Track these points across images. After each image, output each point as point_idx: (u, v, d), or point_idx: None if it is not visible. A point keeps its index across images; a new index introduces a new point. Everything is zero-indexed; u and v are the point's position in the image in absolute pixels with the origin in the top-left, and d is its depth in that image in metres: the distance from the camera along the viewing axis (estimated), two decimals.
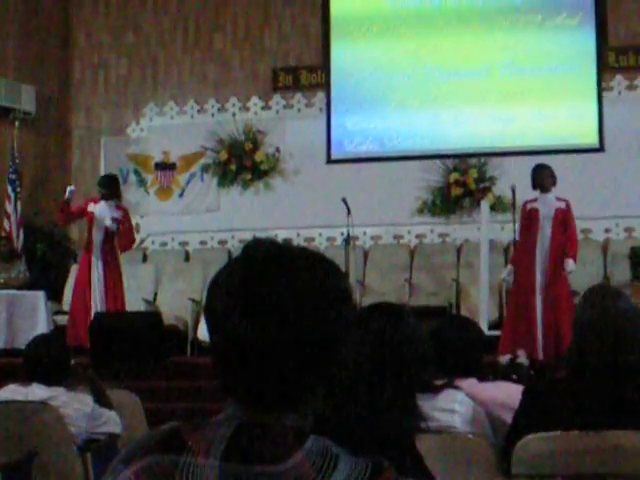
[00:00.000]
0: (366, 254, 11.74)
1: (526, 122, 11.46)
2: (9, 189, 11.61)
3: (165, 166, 12.55)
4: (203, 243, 12.49)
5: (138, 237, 12.70)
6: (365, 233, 11.79)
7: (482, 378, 3.70)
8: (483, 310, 9.82)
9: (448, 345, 3.58)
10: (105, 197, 9.87)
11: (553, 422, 3.05)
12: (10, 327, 10.08)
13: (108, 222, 9.78)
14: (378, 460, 1.37)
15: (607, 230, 11.29)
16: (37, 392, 4.62)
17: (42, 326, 9.86)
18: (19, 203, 11.64)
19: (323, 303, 1.36)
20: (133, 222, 12.65)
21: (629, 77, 11.44)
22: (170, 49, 12.76)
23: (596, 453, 2.97)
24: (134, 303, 10.96)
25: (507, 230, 10.08)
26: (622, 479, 2.93)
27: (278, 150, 12.15)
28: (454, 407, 3.33)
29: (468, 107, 11.60)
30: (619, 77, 11.44)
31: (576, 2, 11.56)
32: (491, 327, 9.79)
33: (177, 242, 12.62)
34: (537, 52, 11.51)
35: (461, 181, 11.55)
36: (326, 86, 12.15)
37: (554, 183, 8.86)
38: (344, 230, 10.48)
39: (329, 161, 12.06)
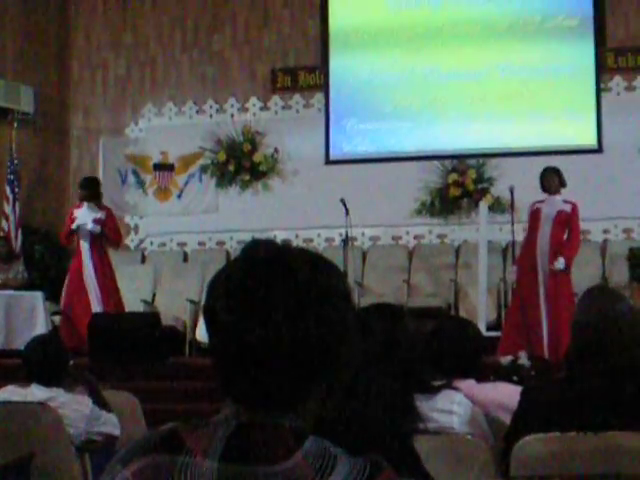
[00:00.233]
0: (364, 255, 11.75)
1: (524, 123, 11.46)
2: (7, 190, 11.61)
3: (163, 167, 12.55)
4: (201, 244, 12.49)
5: (137, 238, 12.74)
6: (363, 234, 11.79)
7: (483, 379, 3.71)
8: (481, 311, 9.82)
9: (446, 346, 3.58)
10: (85, 199, 9.89)
11: (552, 423, 3.05)
12: (8, 328, 10.07)
13: (90, 226, 9.79)
14: (376, 460, 1.37)
15: (605, 231, 11.29)
16: (36, 393, 4.62)
17: (41, 327, 9.86)
18: (17, 204, 11.64)
19: (322, 304, 1.37)
20: (131, 223, 12.72)
21: (628, 78, 11.44)
22: (169, 50, 12.76)
23: (594, 454, 2.97)
24: (132, 304, 10.96)
25: (505, 231, 10.07)
26: None
27: (277, 151, 12.14)
28: (452, 408, 3.33)
29: (466, 108, 11.61)
30: (618, 78, 11.44)
31: (575, 3, 11.57)
32: (490, 328, 9.80)
33: (175, 243, 12.62)
34: (536, 53, 11.51)
35: (459, 182, 11.55)
36: (325, 87, 12.16)
37: (561, 185, 8.88)
38: (342, 231, 10.49)
39: (327, 162, 12.07)
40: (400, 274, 11.30)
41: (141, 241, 12.72)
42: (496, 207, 11.10)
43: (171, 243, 12.64)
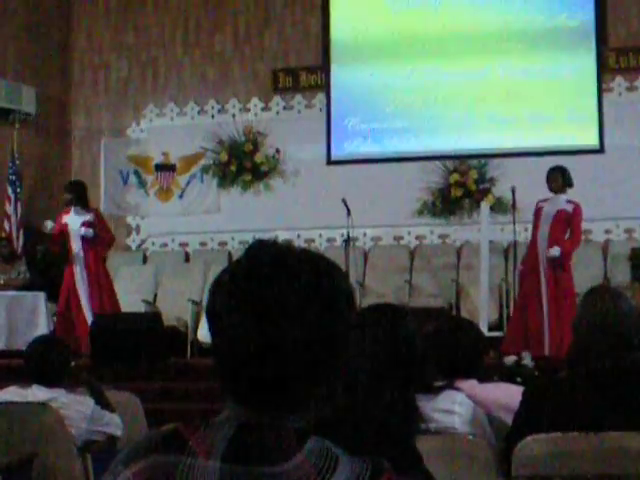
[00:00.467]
0: (366, 255, 11.74)
1: (526, 123, 11.46)
2: (9, 190, 11.61)
3: (165, 167, 12.55)
4: (203, 244, 12.49)
5: (138, 238, 12.74)
6: (365, 234, 11.79)
7: (486, 379, 3.70)
8: (483, 311, 9.82)
9: (447, 347, 3.58)
10: (71, 202, 9.86)
11: (553, 423, 3.05)
12: (10, 328, 10.08)
13: (83, 231, 9.77)
14: (378, 461, 1.37)
15: (607, 231, 11.29)
16: (37, 394, 4.62)
17: (42, 327, 9.86)
18: (19, 204, 11.65)
19: (325, 304, 1.37)
20: (133, 223, 12.72)
21: (629, 78, 11.43)
22: (170, 50, 12.76)
23: (596, 454, 2.97)
24: (134, 304, 10.96)
25: (507, 231, 10.08)
26: None
27: (278, 151, 12.14)
28: (454, 408, 3.33)
29: (468, 108, 11.60)
30: (619, 78, 11.44)
31: (576, 4, 11.56)
32: (491, 328, 9.80)
33: (177, 243, 12.62)
34: (537, 54, 11.50)
35: (461, 182, 11.55)
36: (326, 87, 12.16)
37: (566, 185, 8.88)
38: (344, 231, 10.49)
39: (329, 162, 12.06)
40: (402, 274, 11.30)
41: (143, 241, 12.72)
42: (498, 207, 11.10)
43: (173, 243, 12.64)
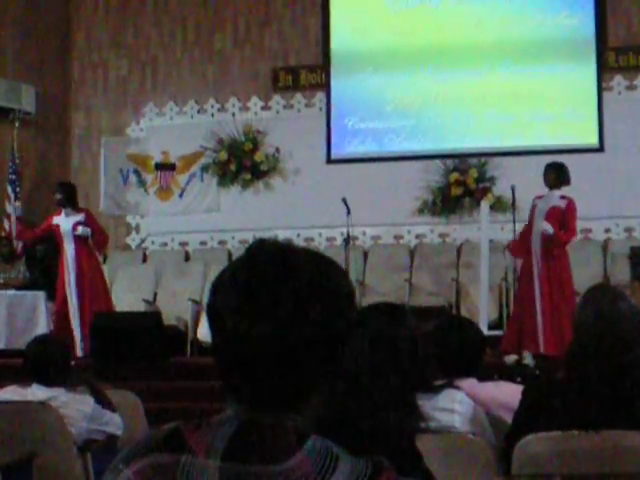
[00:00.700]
0: (366, 254, 11.74)
1: (526, 122, 11.46)
2: (9, 189, 11.61)
3: (165, 166, 12.54)
4: (203, 243, 12.49)
5: (138, 237, 12.74)
6: (365, 233, 11.79)
7: (486, 378, 3.71)
8: (483, 310, 9.82)
9: (446, 345, 3.59)
10: (61, 203, 9.84)
11: (553, 422, 3.05)
12: (10, 327, 10.08)
13: (80, 230, 9.75)
14: (378, 460, 1.37)
15: (607, 230, 11.29)
16: (37, 393, 4.62)
17: (42, 326, 9.86)
18: (19, 203, 11.65)
19: (325, 303, 1.37)
20: (133, 222, 12.72)
21: (629, 77, 11.43)
22: (170, 49, 12.76)
23: (596, 453, 2.97)
24: (134, 303, 10.97)
25: (507, 230, 10.07)
26: (622, 479, 2.93)
27: (278, 150, 12.14)
28: (454, 407, 3.34)
29: (468, 107, 11.61)
30: (619, 77, 11.44)
31: (576, 2, 11.56)
32: (491, 327, 9.80)
33: (177, 242, 12.61)
34: (537, 52, 11.50)
35: (461, 181, 11.55)
36: (326, 86, 12.16)
37: (560, 181, 8.86)
38: (344, 230, 10.49)
39: (329, 161, 12.06)
40: (401, 273, 11.29)
41: (142, 240, 12.72)
42: (498, 206, 11.10)
43: (172, 242, 12.64)
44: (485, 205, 10.55)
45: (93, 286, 9.85)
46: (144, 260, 12.51)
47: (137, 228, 12.78)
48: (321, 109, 12.21)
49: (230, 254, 12.03)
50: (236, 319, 1.35)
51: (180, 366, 9.42)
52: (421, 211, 11.71)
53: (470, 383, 3.55)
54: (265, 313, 1.34)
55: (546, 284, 8.66)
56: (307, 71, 12.28)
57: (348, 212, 10.27)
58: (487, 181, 11.48)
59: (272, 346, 1.34)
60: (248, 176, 12.21)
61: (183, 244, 12.57)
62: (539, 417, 3.10)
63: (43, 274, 11.15)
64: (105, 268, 11.26)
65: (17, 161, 11.71)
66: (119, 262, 12.17)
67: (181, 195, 12.51)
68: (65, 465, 4.45)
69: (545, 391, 3.19)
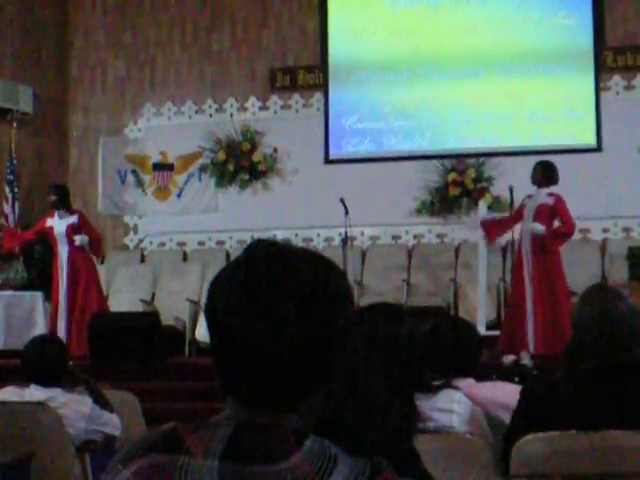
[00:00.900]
0: (364, 254, 11.74)
1: (524, 122, 11.47)
2: (7, 190, 11.61)
3: (163, 166, 12.54)
4: (201, 243, 12.48)
5: (136, 238, 12.73)
6: (363, 233, 11.79)
7: (484, 378, 3.71)
8: (481, 310, 9.82)
9: (441, 346, 3.59)
10: (55, 204, 9.83)
11: (551, 422, 3.05)
12: (8, 328, 10.08)
13: (78, 241, 9.73)
14: (377, 460, 1.37)
15: (605, 230, 11.29)
16: (35, 393, 4.62)
17: (40, 327, 9.87)
18: (17, 204, 11.64)
19: (324, 303, 1.37)
20: (131, 223, 12.72)
21: (627, 77, 11.44)
22: (168, 49, 12.75)
23: (594, 453, 2.97)
24: (132, 303, 10.97)
25: None
26: (621, 479, 2.93)
27: (276, 150, 12.14)
28: (452, 407, 3.34)
29: (466, 107, 11.61)
30: (617, 77, 11.44)
31: (574, 2, 11.57)
32: (489, 327, 9.80)
33: (175, 242, 12.61)
34: (535, 52, 11.50)
35: (459, 181, 11.55)
36: (324, 86, 12.16)
37: (546, 179, 8.85)
38: (342, 230, 10.48)
39: (327, 161, 12.06)
40: (399, 273, 11.29)
41: (140, 241, 12.72)
42: (495, 206, 11.08)
43: (170, 243, 12.63)
44: (483, 205, 10.55)
45: (87, 288, 9.82)
46: (142, 260, 12.50)
47: (135, 228, 12.77)
48: (319, 109, 12.21)
49: (228, 254, 12.03)
50: (234, 319, 1.35)
51: (178, 366, 9.42)
52: (419, 211, 11.72)
53: (468, 383, 3.55)
54: (263, 313, 1.34)
55: (537, 284, 8.65)
56: (305, 71, 12.28)
57: (346, 212, 10.27)
58: (485, 181, 11.49)
59: (270, 346, 1.34)
60: (246, 176, 12.20)
61: (181, 244, 12.57)
62: (537, 417, 3.10)
63: (41, 274, 11.15)
64: (103, 268, 11.26)
65: (15, 161, 11.70)
66: (117, 262, 12.17)
67: (179, 195, 12.51)
68: (63, 466, 4.44)
69: (543, 391, 3.19)
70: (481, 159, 11.55)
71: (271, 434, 1.34)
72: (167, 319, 10.29)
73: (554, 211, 8.75)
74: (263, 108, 12.42)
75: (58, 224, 9.81)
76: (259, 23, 12.45)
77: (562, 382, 3.18)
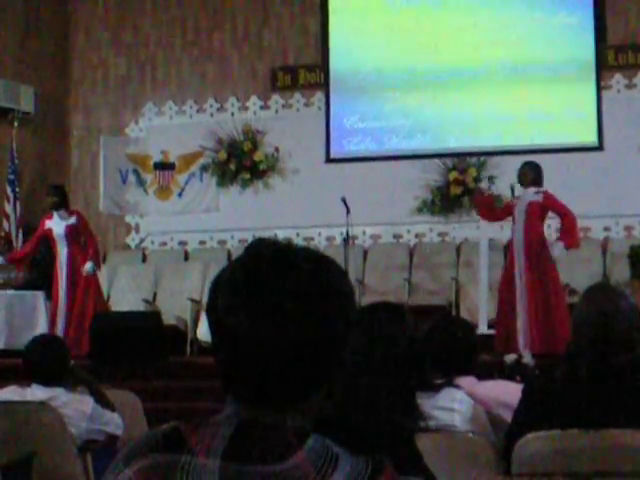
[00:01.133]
0: (365, 253, 11.74)
1: (525, 121, 11.46)
2: (8, 189, 11.62)
3: (164, 166, 12.55)
4: (202, 243, 12.49)
5: (137, 237, 12.74)
6: (364, 232, 11.79)
7: (486, 377, 3.71)
8: (482, 309, 9.81)
9: (438, 345, 3.59)
10: (55, 205, 9.81)
11: (553, 421, 3.05)
12: (9, 327, 10.09)
13: (87, 268, 9.70)
14: (378, 459, 1.37)
15: (606, 229, 11.29)
16: (37, 393, 4.62)
17: (41, 326, 9.87)
18: (18, 203, 11.65)
19: (325, 302, 1.37)
20: (132, 222, 12.73)
21: (628, 75, 11.43)
22: (169, 49, 12.76)
23: (595, 452, 2.97)
24: (133, 303, 10.97)
25: (506, 229, 10.05)
26: (622, 477, 2.93)
27: (277, 150, 12.14)
28: (454, 406, 3.33)
29: (467, 106, 11.61)
30: (618, 76, 11.43)
31: (575, 1, 11.56)
32: (491, 326, 9.77)
33: (176, 242, 12.61)
34: (536, 50, 11.50)
35: (460, 180, 11.55)
36: (325, 85, 12.16)
37: (534, 179, 8.87)
38: (343, 229, 10.47)
39: (328, 160, 12.06)
40: (401, 272, 11.29)
41: (142, 240, 12.72)
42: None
43: (172, 242, 12.64)
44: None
45: (86, 289, 9.81)
46: (144, 260, 12.51)
47: (136, 228, 12.78)
48: (320, 108, 12.21)
49: (229, 254, 12.03)
50: (235, 318, 1.35)
51: (180, 366, 9.42)
52: (420, 210, 11.71)
53: (469, 382, 3.55)
54: (264, 313, 1.34)
55: (530, 285, 8.65)
56: (306, 70, 12.28)
57: (347, 211, 10.26)
58: (486, 180, 11.48)
59: (271, 345, 1.34)
60: (247, 176, 12.20)
61: (182, 244, 12.57)
62: (539, 416, 3.10)
63: (42, 274, 11.15)
64: (104, 268, 11.26)
65: (16, 161, 11.71)
66: (118, 262, 12.17)
67: (180, 195, 12.51)
68: (65, 465, 4.44)
69: (545, 390, 3.19)
70: (482, 158, 11.54)
71: (273, 433, 1.34)
72: (168, 319, 10.29)
73: (545, 207, 8.78)
74: (264, 107, 12.42)
75: (57, 225, 9.80)
76: (260, 22, 12.45)
77: (563, 381, 3.18)
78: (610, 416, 2.99)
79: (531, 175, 8.87)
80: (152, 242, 12.68)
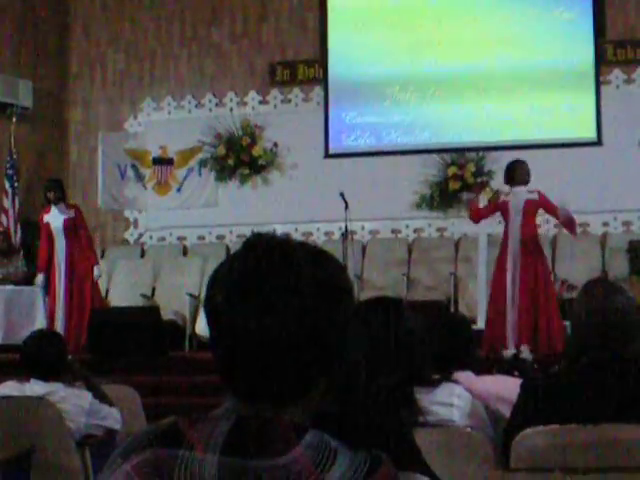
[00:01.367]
0: (364, 248, 11.75)
1: (524, 116, 11.46)
2: (7, 184, 11.61)
3: (163, 161, 12.54)
4: (201, 238, 12.49)
5: (136, 232, 12.74)
6: (363, 227, 11.79)
7: (484, 372, 3.71)
8: (481, 304, 9.80)
9: (434, 340, 3.59)
10: (55, 201, 9.84)
11: (551, 415, 3.05)
12: (8, 322, 10.09)
13: (96, 273, 9.83)
14: (377, 454, 1.37)
15: (605, 224, 11.29)
16: (35, 388, 4.62)
17: (40, 321, 9.87)
18: (17, 198, 11.64)
19: (323, 297, 1.36)
20: (131, 217, 12.73)
21: (627, 71, 11.43)
22: (167, 43, 12.74)
23: (594, 446, 2.97)
24: (132, 298, 10.97)
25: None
26: (620, 472, 2.93)
27: (276, 145, 12.14)
28: (452, 401, 3.33)
29: (466, 101, 11.60)
30: (617, 71, 11.43)
31: None
32: None
33: (175, 237, 12.61)
34: (535, 46, 11.50)
35: (459, 175, 11.55)
36: (323, 80, 12.15)
37: (525, 178, 8.88)
38: (342, 224, 10.47)
39: (327, 155, 12.06)
40: (399, 267, 11.30)
41: (140, 235, 12.72)
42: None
43: (171, 237, 12.64)
44: (483, 199, 10.54)
45: (82, 282, 9.83)
46: (142, 255, 12.51)
47: (135, 223, 12.78)
48: (319, 103, 12.21)
49: (228, 249, 12.04)
50: (233, 313, 1.35)
51: (178, 361, 9.43)
52: (419, 205, 11.71)
53: (467, 377, 3.55)
54: (262, 308, 1.34)
55: (524, 285, 8.66)
56: (305, 65, 12.27)
57: (346, 206, 10.26)
58: (485, 175, 11.48)
59: (270, 341, 1.34)
60: (246, 171, 12.20)
61: (181, 239, 12.57)
62: (537, 411, 3.10)
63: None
64: (103, 263, 11.26)
65: (15, 156, 11.70)
66: (117, 257, 12.18)
67: (179, 190, 12.51)
68: (64, 460, 4.45)
69: (543, 385, 3.19)
70: (481, 153, 11.55)
71: (271, 428, 1.34)
72: (167, 314, 10.30)
73: (539, 206, 8.81)
74: (263, 102, 12.42)
75: (56, 218, 9.83)
76: (259, 17, 12.44)
77: (562, 376, 3.18)
78: (608, 411, 2.99)
79: (524, 174, 8.88)
80: (151, 237, 12.68)
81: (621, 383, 3.03)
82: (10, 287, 10.48)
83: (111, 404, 4.78)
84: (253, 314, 1.34)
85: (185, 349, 10.44)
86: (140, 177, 12.65)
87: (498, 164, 11.32)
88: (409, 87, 11.87)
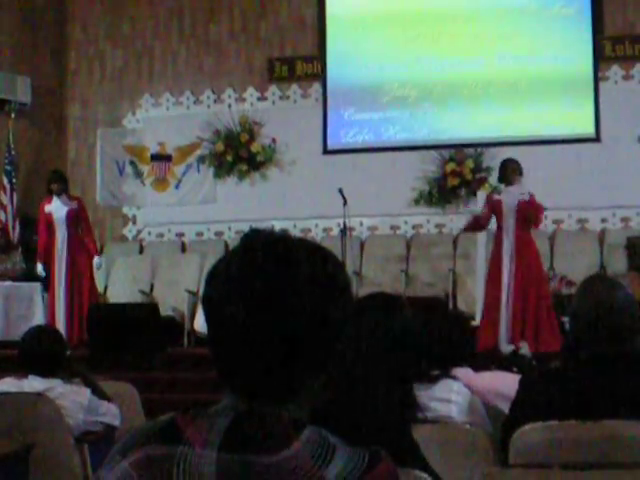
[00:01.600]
0: (362, 245, 11.74)
1: (522, 112, 11.45)
2: (5, 180, 11.60)
3: (161, 157, 12.53)
4: (199, 234, 12.48)
5: (134, 228, 12.74)
6: (361, 224, 11.79)
7: (483, 368, 3.71)
8: (479, 300, 9.81)
9: (432, 337, 3.59)
10: (59, 192, 9.87)
11: (550, 412, 3.05)
12: (6, 318, 10.08)
13: (96, 262, 9.88)
14: (375, 450, 1.37)
15: (603, 220, 11.29)
16: (34, 384, 4.62)
17: (38, 317, 9.87)
18: (15, 194, 11.63)
19: (321, 293, 1.36)
20: (129, 213, 12.73)
21: (625, 67, 11.42)
22: (166, 40, 12.73)
23: (593, 442, 2.97)
24: (131, 294, 10.97)
25: None
26: (619, 468, 2.93)
27: (274, 141, 12.13)
28: (451, 397, 3.34)
29: (464, 97, 11.60)
30: (615, 67, 11.42)
31: None
32: None
33: (173, 233, 12.60)
34: (533, 42, 11.49)
35: (457, 171, 11.54)
36: (322, 77, 12.14)
37: (518, 176, 8.89)
38: (340, 221, 10.46)
39: (325, 152, 12.05)
40: (398, 264, 11.29)
41: (139, 231, 12.71)
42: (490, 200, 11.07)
43: (169, 233, 12.63)
44: (481, 195, 10.54)
45: (82, 277, 9.85)
46: (140, 251, 12.50)
47: (133, 219, 12.77)
48: (317, 100, 12.20)
49: (226, 245, 12.03)
50: (231, 309, 1.35)
51: (177, 357, 9.43)
52: (417, 201, 11.71)
53: (466, 373, 3.55)
54: (260, 304, 1.34)
55: (519, 282, 8.66)
56: (303, 62, 12.26)
57: (344, 203, 10.25)
58: (483, 171, 11.47)
59: (268, 337, 1.34)
60: (244, 167, 12.19)
61: (179, 235, 12.57)
62: (536, 407, 3.10)
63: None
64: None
65: (13, 152, 11.69)
66: (116, 253, 12.17)
67: (177, 186, 12.50)
68: (62, 456, 4.44)
69: (542, 380, 3.19)
70: (479, 149, 11.54)
71: (269, 424, 1.34)
72: (165, 310, 10.30)
73: (529, 206, 8.81)
74: (261, 99, 12.40)
75: (59, 209, 9.86)
76: (257, 13, 12.42)
77: (560, 372, 3.18)
78: (608, 407, 2.99)
79: (514, 172, 8.89)
80: (149, 233, 12.68)
81: (620, 379, 3.03)
82: (8, 283, 10.47)
83: (109, 400, 4.78)
84: (250, 310, 1.34)
85: (184, 345, 10.44)
86: (138, 173, 12.64)
87: (496, 160, 11.30)
88: (408, 83, 11.86)
